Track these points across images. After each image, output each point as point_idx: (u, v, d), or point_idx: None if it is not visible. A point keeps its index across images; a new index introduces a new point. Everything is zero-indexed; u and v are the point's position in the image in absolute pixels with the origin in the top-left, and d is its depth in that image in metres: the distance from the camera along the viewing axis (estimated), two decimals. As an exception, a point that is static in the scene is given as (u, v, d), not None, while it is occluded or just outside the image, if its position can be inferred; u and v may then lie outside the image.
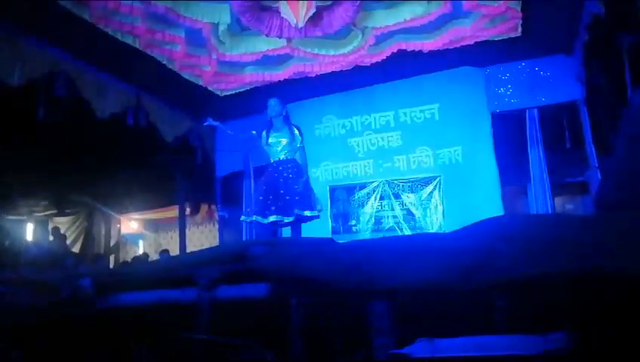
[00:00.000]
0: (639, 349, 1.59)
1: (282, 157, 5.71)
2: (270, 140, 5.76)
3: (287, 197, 5.51)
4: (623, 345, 1.62)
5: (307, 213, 5.57)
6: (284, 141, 5.72)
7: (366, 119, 9.06)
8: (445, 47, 7.53)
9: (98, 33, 6.47)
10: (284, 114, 5.83)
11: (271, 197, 5.52)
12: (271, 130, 5.79)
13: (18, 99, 6.63)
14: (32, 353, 2.60)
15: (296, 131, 5.84)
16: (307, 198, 5.61)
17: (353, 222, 8.80)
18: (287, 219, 5.50)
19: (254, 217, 5.54)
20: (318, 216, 5.79)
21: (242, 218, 5.94)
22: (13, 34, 6.13)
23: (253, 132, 5.91)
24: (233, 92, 8.80)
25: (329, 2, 6.60)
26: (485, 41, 7.37)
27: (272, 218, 5.45)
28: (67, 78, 6.80)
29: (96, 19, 6.30)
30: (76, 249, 12.59)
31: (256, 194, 5.78)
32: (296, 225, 5.70)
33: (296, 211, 5.48)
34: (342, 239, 8.14)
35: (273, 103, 5.81)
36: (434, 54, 7.70)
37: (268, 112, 5.82)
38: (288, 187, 5.55)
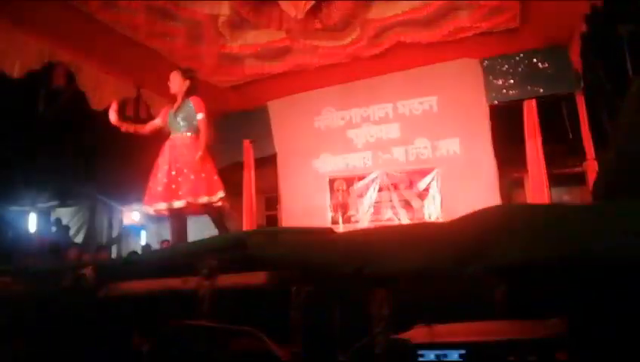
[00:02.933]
0: (635, 335, 1.62)
1: (180, 133, 5.17)
2: (170, 118, 5.23)
3: (179, 179, 4.95)
4: (619, 331, 1.64)
5: (203, 198, 4.94)
6: (181, 115, 5.17)
7: (365, 111, 9.07)
8: (444, 39, 7.54)
9: (98, 24, 6.47)
10: (185, 88, 5.24)
11: (164, 179, 4.97)
12: (172, 106, 5.25)
13: (19, 91, 6.63)
14: (34, 341, 2.62)
15: (192, 103, 5.18)
16: (200, 181, 4.98)
17: (352, 213, 8.83)
18: (176, 205, 4.91)
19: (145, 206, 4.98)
20: (217, 202, 5.06)
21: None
22: (12, 26, 6.13)
23: None
24: (233, 84, 8.81)
25: (328, -6, 6.61)
26: (483, 32, 7.37)
27: (161, 205, 4.93)
28: (66, 70, 6.80)
29: (95, 11, 6.29)
30: (79, 240, 12.62)
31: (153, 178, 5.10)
32: (179, 213, 5.06)
33: (187, 197, 4.88)
34: (341, 229, 8.20)
35: (172, 77, 5.29)
36: (432, 46, 7.71)
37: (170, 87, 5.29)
38: (181, 167, 5.00)
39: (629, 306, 1.64)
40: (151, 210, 5.08)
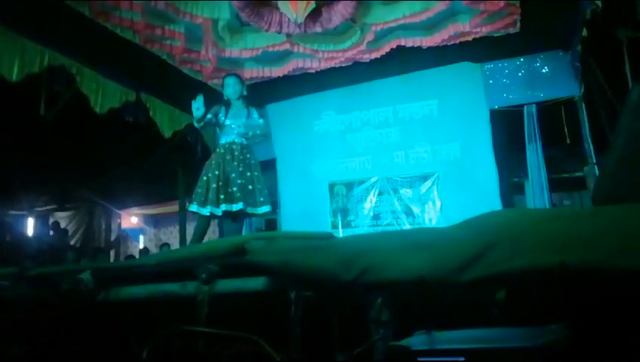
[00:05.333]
0: (634, 340, 1.61)
1: (237, 140, 5.17)
2: (228, 121, 5.20)
3: (239, 184, 5.01)
4: (619, 337, 1.63)
5: (249, 209, 5.07)
6: (241, 125, 5.19)
7: (365, 115, 9.08)
8: (444, 43, 7.53)
9: (98, 28, 6.46)
10: (244, 94, 5.36)
11: (221, 183, 4.99)
12: (229, 110, 5.25)
13: (18, 94, 6.62)
14: (32, 346, 2.61)
15: (256, 114, 5.32)
16: (252, 192, 5.10)
17: (352, 217, 8.82)
18: (235, 208, 4.97)
19: (209, 208, 4.97)
20: (263, 215, 5.29)
21: (191, 208, 5.14)
22: (12, 29, 6.12)
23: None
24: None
25: (328, -2, 6.61)
26: (484, 37, 7.37)
27: (223, 207, 4.96)
28: (66, 73, 6.79)
29: (95, 15, 6.29)
30: (76, 243, 12.61)
31: (207, 182, 5.05)
32: (238, 217, 5.20)
33: (241, 204, 4.97)
34: (341, 234, 8.19)
35: (233, 82, 5.31)
36: (433, 50, 7.70)
37: (227, 92, 5.30)
38: (242, 176, 5.05)
39: (629, 312, 1.63)
40: (218, 211, 5.03)
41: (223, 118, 5.20)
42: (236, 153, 5.11)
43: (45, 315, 2.63)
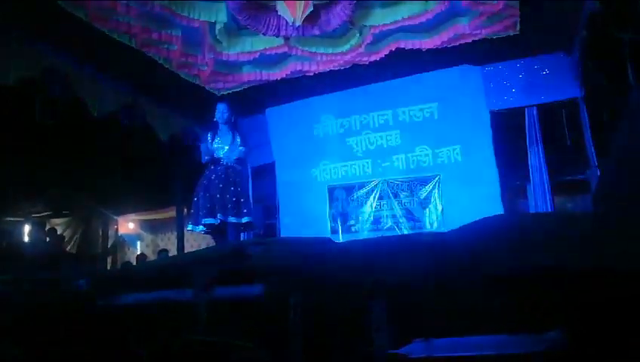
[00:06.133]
0: (633, 347, 1.59)
1: (222, 162, 5.75)
2: (215, 144, 5.84)
3: (220, 201, 5.56)
4: (618, 343, 1.62)
5: (233, 218, 5.56)
6: (226, 148, 5.79)
7: (364, 118, 9.05)
8: (444, 46, 7.51)
9: (94, 32, 6.45)
10: (232, 120, 5.99)
11: (206, 203, 5.60)
12: (216, 134, 5.89)
13: (14, 99, 6.61)
14: (31, 352, 2.59)
15: (239, 140, 5.88)
16: (236, 205, 5.60)
17: (352, 222, 8.78)
18: (218, 220, 5.55)
19: (200, 227, 5.66)
20: (245, 225, 5.77)
21: (188, 227, 6.00)
22: (8, 33, 6.11)
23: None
24: (230, 91, 8.77)
25: (326, 0, 6.58)
26: (484, 39, 7.35)
27: (204, 221, 5.58)
28: (63, 77, 6.77)
29: (92, 19, 6.27)
30: (73, 250, 12.58)
31: (197, 202, 5.73)
32: (230, 229, 5.68)
33: (220, 215, 5.52)
34: (341, 239, 8.17)
35: (222, 109, 5.93)
36: (432, 53, 7.67)
37: (216, 116, 5.90)
38: (223, 192, 5.59)
39: (628, 314, 1.62)
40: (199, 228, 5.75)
41: (211, 141, 5.88)
42: (220, 173, 5.70)
43: (44, 321, 2.61)
